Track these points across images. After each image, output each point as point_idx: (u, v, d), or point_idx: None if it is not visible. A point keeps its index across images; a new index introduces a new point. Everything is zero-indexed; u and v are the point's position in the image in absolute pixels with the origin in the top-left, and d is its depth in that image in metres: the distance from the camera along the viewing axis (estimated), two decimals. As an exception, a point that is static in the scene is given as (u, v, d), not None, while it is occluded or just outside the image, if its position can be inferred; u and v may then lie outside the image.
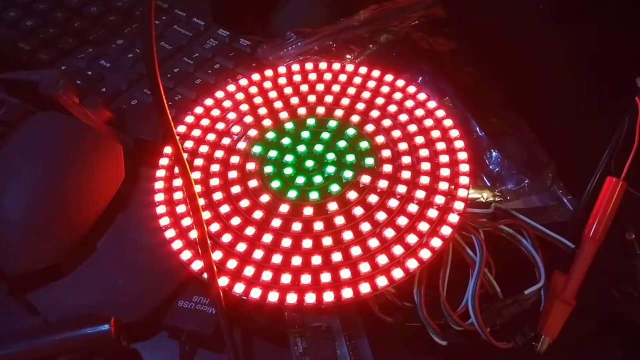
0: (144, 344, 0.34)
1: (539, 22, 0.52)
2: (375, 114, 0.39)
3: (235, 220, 0.34)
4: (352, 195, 0.35)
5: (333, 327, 0.33)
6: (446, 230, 0.33)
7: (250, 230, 0.34)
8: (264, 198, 0.35)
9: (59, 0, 0.52)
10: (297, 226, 0.34)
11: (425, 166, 0.36)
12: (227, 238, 0.33)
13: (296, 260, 0.32)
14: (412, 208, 0.34)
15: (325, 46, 0.47)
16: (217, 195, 0.35)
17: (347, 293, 0.31)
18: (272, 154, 0.37)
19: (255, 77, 0.42)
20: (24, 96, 0.39)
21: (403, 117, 0.38)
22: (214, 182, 0.36)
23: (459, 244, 0.34)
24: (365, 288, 0.31)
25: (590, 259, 0.34)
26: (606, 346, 0.34)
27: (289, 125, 0.39)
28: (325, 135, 0.38)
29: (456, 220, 0.33)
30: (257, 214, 0.34)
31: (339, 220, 0.33)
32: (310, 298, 0.31)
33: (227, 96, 0.41)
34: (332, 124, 0.38)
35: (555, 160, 0.40)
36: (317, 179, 0.36)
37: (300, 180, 0.36)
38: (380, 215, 0.33)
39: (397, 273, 0.31)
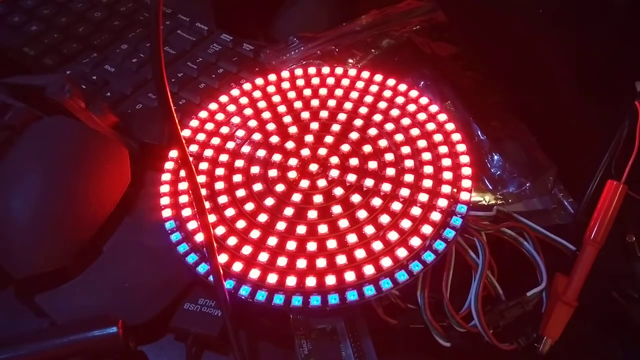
0: (151, 346, 0.34)
1: (539, 27, 0.52)
2: (377, 117, 0.39)
3: (241, 224, 0.35)
4: (355, 198, 0.35)
5: (338, 329, 0.33)
6: (449, 233, 0.33)
7: (255, 234, 0.34)
8: (269, 201, 0.35)
9: (64, 5, 0.52)
10: (301, 229, 0.34)
11: (428, 169, 0.36)
12: (232, 241, 0.34)
13: (301, 263, 0.32)
14: (416, 211, 0.34)
15: (327, 51, 0.47)
16: (223, 199, 0.36)
17: (351, 295, 0.31)
18: (276, 157, 0.37)
19: (259, 81, 0.42)
20: (30, 101, 0.39)
21: (405, 121, 0.39)
22: (219, 185, 0.36)
23: (461, 247, 0.34)
24: (369, 290, 0.31)
25: (592, 261, 0.35)
26: (607, 347, 0.35)
27: (292, 129, 0.39)
28: (328, 138, 0.38)
29: (459, 223, 0.33)
30: (262, 217, 0.35)
31: (343, 223, 0.34)
32: (315, 300, 0.31)
33: (231, 100, 0.41)
34: (335, 127, 0.39)
35: (556, 163, 0.40)
36: (321, 183, 0.36)
37: (304, 183, 0.36)
38: (384, 218, 0.34)
39: (401, 276, 0.32)
